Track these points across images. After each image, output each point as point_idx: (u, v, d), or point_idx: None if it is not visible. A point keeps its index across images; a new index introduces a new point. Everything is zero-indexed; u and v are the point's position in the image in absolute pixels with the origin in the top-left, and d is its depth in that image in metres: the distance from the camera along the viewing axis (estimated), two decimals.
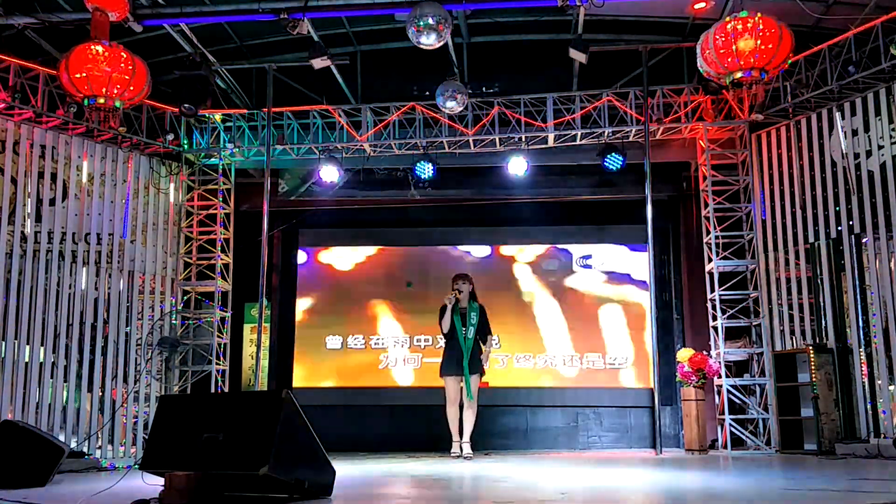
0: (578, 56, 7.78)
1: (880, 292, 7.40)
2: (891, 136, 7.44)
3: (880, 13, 7.25)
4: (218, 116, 9.29)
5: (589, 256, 10.17)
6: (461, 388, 7.26)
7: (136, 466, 5.50)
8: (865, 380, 7.53)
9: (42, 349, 7.81)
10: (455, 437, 7.30)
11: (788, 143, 8.47)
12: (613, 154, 8.79)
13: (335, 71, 8.79)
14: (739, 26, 5.56)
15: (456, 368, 7.22)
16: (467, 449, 7.21)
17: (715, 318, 8.59)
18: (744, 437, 8.33)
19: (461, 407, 7.30)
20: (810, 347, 7.74)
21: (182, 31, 7.99)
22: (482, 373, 7.37)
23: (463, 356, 7.18)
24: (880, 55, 7.25)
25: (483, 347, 7.41)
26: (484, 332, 7.42)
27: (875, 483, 4.34)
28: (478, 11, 8.07)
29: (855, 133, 7.79)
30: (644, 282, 9.77)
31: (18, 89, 7.58)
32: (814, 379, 7.57)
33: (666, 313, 9.88)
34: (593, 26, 8.51)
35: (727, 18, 5.72)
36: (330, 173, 9.12)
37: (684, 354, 8.45)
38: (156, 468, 3.79)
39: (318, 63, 7.84)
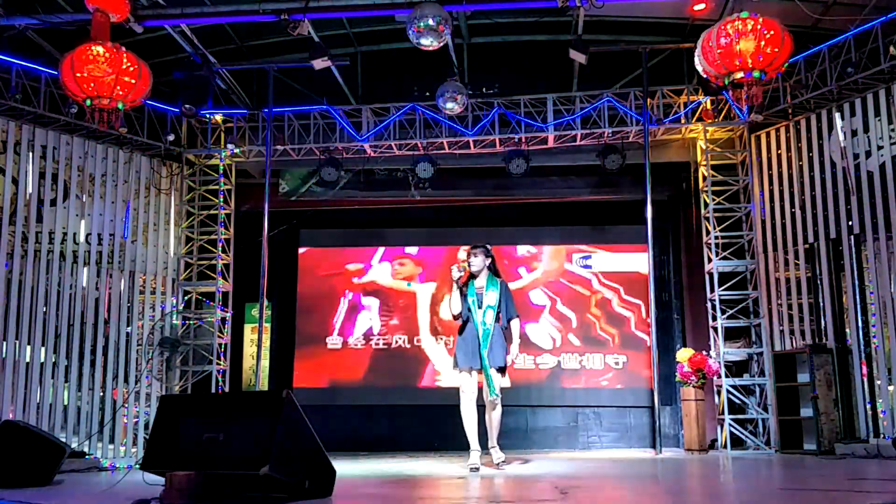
0: (578, 57, 7.79)
1: (880, 292, 7.41)
2: (890, 137, 7.44)
3: (879, 14, 7.26)
4: (219, 117, 9.30)
5: (588, 256, 10.18)
6: (480, 383, 5.87)
7: (137, 466, 5.51)
8: (865, 380, 7.54)
9: (43, 349, 7.83)
10: (473, 444, 5.82)
11: (788, 144, 8.47)
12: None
13: (336, 71, 8.80)
14: (741, 27, 5.57)
15: (471, 360, 5.81)
16: (498, 454, 5.87)
17: (715, 318, 8.59)
18: (743, 437, 8.34)
19: (484, 407, 5.94)
20: (809, 348, 7.76)
21: (183, 32, 8.00)
22: (504, 368, 5.88)
23: (480, 345, 5.76)
24: (879, 56, 7.26)
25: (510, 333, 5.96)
26: (508, 313, 5.99)
27: (874, 483, 4.35)
28: (478, 12, 8.08)
29: (854, 134, 7.79)
30: (643, 282, 9.77)
31: (20, 90, 7.60)
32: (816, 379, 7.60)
33: (666, 313, 9.88)
34: (593, 27, 8.52)
35: (728, 18, 5.73)
36: None
37: (684, 354, 8.46)
38: (156, 468, 3.80)
39: (319, 64, 7.85)
